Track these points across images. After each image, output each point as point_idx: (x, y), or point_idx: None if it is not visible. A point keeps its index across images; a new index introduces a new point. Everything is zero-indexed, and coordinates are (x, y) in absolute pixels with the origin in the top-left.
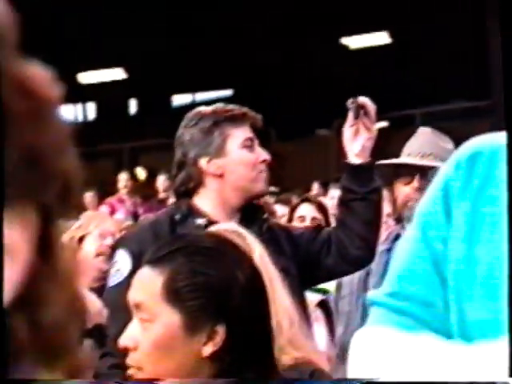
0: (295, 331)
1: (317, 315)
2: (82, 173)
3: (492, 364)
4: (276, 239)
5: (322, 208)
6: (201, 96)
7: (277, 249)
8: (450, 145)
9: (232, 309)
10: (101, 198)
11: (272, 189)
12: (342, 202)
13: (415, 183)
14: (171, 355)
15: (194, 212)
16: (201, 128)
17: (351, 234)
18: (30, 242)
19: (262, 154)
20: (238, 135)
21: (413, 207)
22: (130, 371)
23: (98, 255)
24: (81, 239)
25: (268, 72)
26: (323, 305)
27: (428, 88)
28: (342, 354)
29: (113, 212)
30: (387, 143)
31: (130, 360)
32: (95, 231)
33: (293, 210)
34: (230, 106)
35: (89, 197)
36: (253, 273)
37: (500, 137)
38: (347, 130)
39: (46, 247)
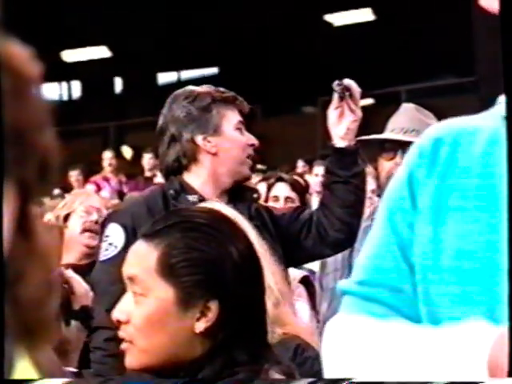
0: (281, 309)
1: (300, 291)
2: (59, 150)
3: (465, 346)
4: (262, 220)
5: (296, 187)
6: (186, 74)
7: (264, 229)
8: (433, 121)
9: (225, 285)
10: (86, 177)
11: (259, 166)
12: (325, 184)
13: (398, 159)
14: (163, 330)
15: (185, 188)
16: (199, 106)
17: (331, 216)
18: (10, 219)
19: (251, 139)
20: (232, 117)
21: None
22: (123, 345)
23: (83, 231)
24: (66, 217)
25: (253, 49)
26: (306, 281)
27: (413, 65)
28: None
29: (98, 190)
30: (372, 120)
31: (123, 333)
32: (80, 208)
33: (268, 189)
34: (221, 89)
35: (74, 175)
36: (248, 250)
37: (461, 121)
38: (332, 112)
39: (24, 225)
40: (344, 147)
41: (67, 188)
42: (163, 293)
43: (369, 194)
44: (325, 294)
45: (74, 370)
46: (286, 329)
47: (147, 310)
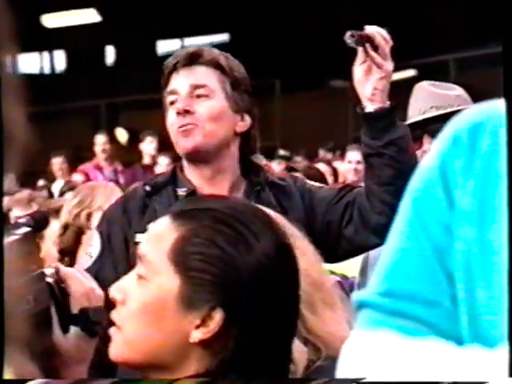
0: (320, 316)
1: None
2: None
3: None
4: (284, 205)
5: (309, 177)
6: (191, 42)
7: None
8: (455, 91)
9: (238, 296)
10: (73, 165)
11: (281, 152)
12: (363, 159)
13: (425, 146)
14: (157, 325)
15: (179, 180)
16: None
17: (371, 195)
18: None
19: (177, 106)
20: (167, 91)
21: None
22: (111, 330)
23: None
24: (89, 216)
25: (270, 13)
26: (339, 286)
27: (463, 29)
28: None
29: (89, 181)
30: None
31: (115, 315)
32: (105, 205)
33: None
34: (168, 60)
35: (57, 163)
36: (281, 251)
37: (498, 105)
38: (357, 70)
39: None
40: (373, 111)
41: (50, 178)
42: (168, 282)
43: None
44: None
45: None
46: (327, 343)
47: (146, 296)
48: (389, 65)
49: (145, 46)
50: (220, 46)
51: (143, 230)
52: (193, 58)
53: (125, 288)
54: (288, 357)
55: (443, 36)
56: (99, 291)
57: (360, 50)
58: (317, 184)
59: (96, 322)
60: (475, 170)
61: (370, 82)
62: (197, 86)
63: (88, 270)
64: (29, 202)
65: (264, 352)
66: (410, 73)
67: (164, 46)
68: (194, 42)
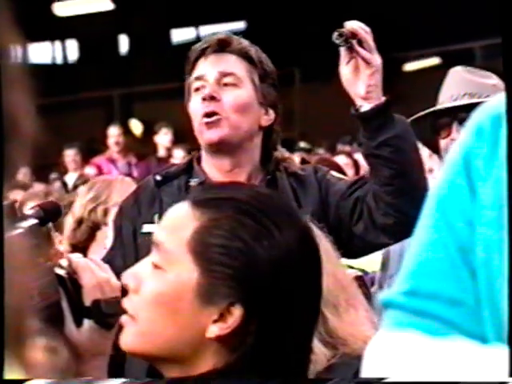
0: (342, 318)
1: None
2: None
3: None
4: (300, 196)
5: None
6: (207, 30)
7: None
8: (492, 80)
9: (259, 293)
10: (86, 158)
11: (302, 145)
12: (364, 158)
13: (454, 134)
14: (173, 317)
15: (195, 172)
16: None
17: (375, 196)
18: None
19: (204, 91)
20: (191, 79)
21: None
22: (123, 318)
23: None
24: (105, 211)
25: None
26: (359, 283)
27: (489, 14)
28: None
29: (101, 174)
30: (440, 84)
31: (127, 303)
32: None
33: None
34: (197, 44)
35: (70, 155)
36: (305, 245)
37: None
38: (344, 70)
39: None
40: (368, 110)
41: (62, 171)
42: (186, 273)
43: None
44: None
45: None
46: (347, 343)
47: (162, 286)
48: (377, 58)
49: (159, 35)
50: (237, 35)
51: (151, 221)
52: (223, 45)
53: (139, 275)
54: (307, 355)
55: (468, 23)
56: (115, 282)
57: (342, 49)
58: (338, 175)
59: (110, 315)
60: (497, 161)
61: (361, 80)
62: (225, 74)
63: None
64: (45, 196)
65: (283, 349)
66: (435, 61)
67: (179, 35)
68: (209, 30)
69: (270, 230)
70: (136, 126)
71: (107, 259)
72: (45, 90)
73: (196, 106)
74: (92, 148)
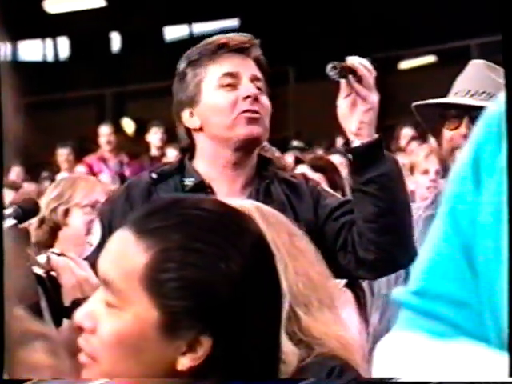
0: (317, 317)
1: (346, 298)
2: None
3: None
4: (293, 203)
5: (317, 168)
6: (200, 28)
7: (294, 215)
8: None
9: (222, 318)
10: (78, 157)
11: (295, 143)
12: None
13: (463, 128)
14: (137, 357)
15: (186, 171)
16: (177, 74)
17: (358, 230)
18: None
19: (245, 90)
20: (214, 74)
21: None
22: (82, 357)
23: (89, 232)
24: (66, 212)
25: None
26: (354, 285)
27: (486, 12)
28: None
29: (92, 173)
30: (435, 83)
31: (83, 343)
32: (84, 202)
33: None
34: (214, 37)
35: (63, 154)
36: (264, 264)
37: None
38: (342, 103)
39: None
40: (357, 146)
41: (55, 170)
42: (145, 312)
43: (432, 175)
44: (376, 301)
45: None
46: (322, 343)
47: (121, 327)
48: (374, 96)
49: (152, 33)
50: (230, 32)
51: None
52: (244, 48)
53: (93, 314)
54: (275, 357)
55: (464, 21)
56: (95, 280)
57: (343, 82)
58: (329, 190)
59: None
60: (501, 156)
61: (355, 116)
62: (256, 78)
63: (87, 259)
64: (38, 196)
65: (251, 360)
66: (430, 59)
67: (172, 33)
68: (202, 27)
69: (222, 249)
70: (128, 125)
71: (95, 257)
72: (36, 88)
73: (228, 101)
74: (84, 147)
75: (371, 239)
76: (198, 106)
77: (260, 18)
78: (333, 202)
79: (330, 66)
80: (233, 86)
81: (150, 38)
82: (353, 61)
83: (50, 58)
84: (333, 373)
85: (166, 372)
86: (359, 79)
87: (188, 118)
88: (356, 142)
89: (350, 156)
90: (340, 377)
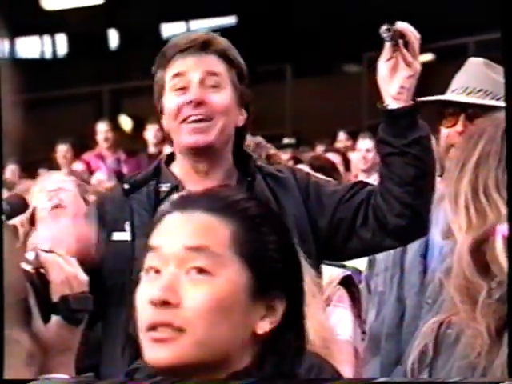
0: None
1: (340, 295)
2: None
3: None
4: (279, 198)
5: (315, 167)
6: (197, 25)
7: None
8: None
9: (295, 282)
10: (76, 154)
11: (286, 140)
12: (380, 158)
13: (459, 126)
14: (228, 321)
15: (163, 175)
16: (154, 80)
17: (390, 197)
18: None
19: (190, 93)
20: (167, 76)
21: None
22: (165, 333)
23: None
24: (32, 218)
25: None
26: (348, 283)
27: (484, 9)
28: (372, 346)
29: (90, 171)
30: (432, 80)
31: (169, 317)
32: (40, 197)
33: None
34: (173, 39)
35: (62, 151)
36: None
37: None
38: (382, 66)
39: None
40: (397, 108)
41: (54, 167)
42: (236, 275)
43: None
44: (373, 298)
45: (64, 376)
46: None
47: (216, 293)
48: (418, 63)
49: (149, 29)
50: (228, 30)
51: (122, 229)
52: (204, 45)
53: (175, 288)
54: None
55: (461, 18)
56: (83, 277)
57: (387, 45)
58: (323, 177)
59: (78, 310)
60: None
61: (396, 80)
62: (211, 73)
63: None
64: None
65: (300, 335)
66: (428, 57)
67: (169, 29)
68: (200, 25)
69: (274, 221)
70: (125, 122)
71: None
72: (33, 85)
73: (176, 106)
74: (83, 144)
75: (407, 203)
76: (163, 110)
77: (257, 15)
78: (338, 188)
79: (384, 27)
80: (183, 89)
81: (147, 35)
82: (403, 25)
83: (48, 54)
84: (312, 370)
85: (246, 337)
86: (407, 44)
87: (165, 123)
88: (393, 105)
89: (386, 118)
90: (318, 375)
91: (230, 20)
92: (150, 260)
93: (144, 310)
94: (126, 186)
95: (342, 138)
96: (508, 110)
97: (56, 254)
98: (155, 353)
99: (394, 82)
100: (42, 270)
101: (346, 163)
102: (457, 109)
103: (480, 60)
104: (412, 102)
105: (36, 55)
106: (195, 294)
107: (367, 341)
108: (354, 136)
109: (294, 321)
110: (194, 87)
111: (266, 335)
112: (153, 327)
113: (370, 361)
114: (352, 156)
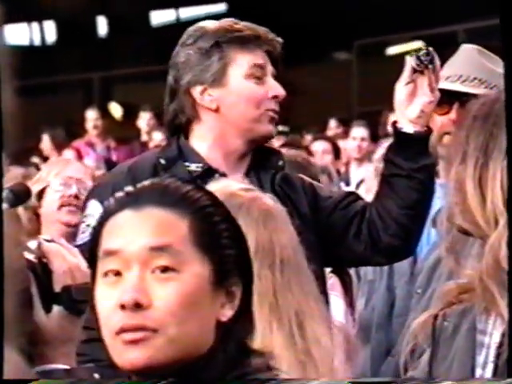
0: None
1: (332, 283)
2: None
3: None
4: (290, 196)
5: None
6: (187, 12)
7: (291, 209)
8: (500, 68)
9: (250, 267)
10: (65, 141)
11: (280, 128)
12: (383, 176)
13: (452, 114)
14: (197, 314)
15: (186, 154)
16: (198, 48)
17: (387, 216)
18: None
19: (275, 89)
20: (244, 62)
21: (449, 145)
22: (137, 334)
23: (61, 207)
24: (41, 193)
25: None
26: (341, 271)
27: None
28: (362, 335)
29: (80, 158)
30: None
31: (143, 319)
32: (56, 180)
33: None
34: (242, 24)
35: (46, 140)
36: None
37: None
38: (401, 89)
39: None
40: (413, 133)
41: (42, 155)
42: (200, 267)
43: None
44: (362, 287)
45: (64, 366)
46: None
47: (184, 289)
48: (438, 90)
49: (139, 17)
50: (217, 17)
51: None
52: (268, 44)
53: (145, 289)
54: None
55: (451, 6)
56: (85, 267)
57: (408, 69)
58: (314, 182)
59: (80, 301)
60: None
61: (415, 104)
62: (274, 76)
63: (89, 243)
64: (24, 179)
65: (251, 320)
66: (417, 44)
67: (158, 17)
68: (189, 12)
69: (224, 210)
70: (116, 109)
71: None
72: (22, 73)
73: (257, 96)
74: (73, 132)
75: (404, 225)
76: (221, 88)
77: (246, 2)
78: (333, 194)
79: (423, 51)
80: (260, 79)
81: (136, 23)
82: (432, 50)
83: (37, 42)
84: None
85: (211, 326)
86: (434, 69)
87: (200, 95)
88: (409, 128)
89: (399, 141)
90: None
91: (219, 7)
92: (108, 263)
93: (112, 315)
94: (163, 162)
95: (332, 126)
96: (507, 104)
97: (59, 244)
98: (129, 354)
99: (413, 105)
100: (44, 260)
101: (336, 151)
102: (451, 97)
103: (474, 47)
104: (426, 128)
105: (25, 42)
106: (164, 293)
107: (356, 329)
108: (344, 123)
109: (248, 304)
110: (274, 83)
111: (229, 322)
112: (124, 331)
113: (361, 348)
114: (345, 144)
